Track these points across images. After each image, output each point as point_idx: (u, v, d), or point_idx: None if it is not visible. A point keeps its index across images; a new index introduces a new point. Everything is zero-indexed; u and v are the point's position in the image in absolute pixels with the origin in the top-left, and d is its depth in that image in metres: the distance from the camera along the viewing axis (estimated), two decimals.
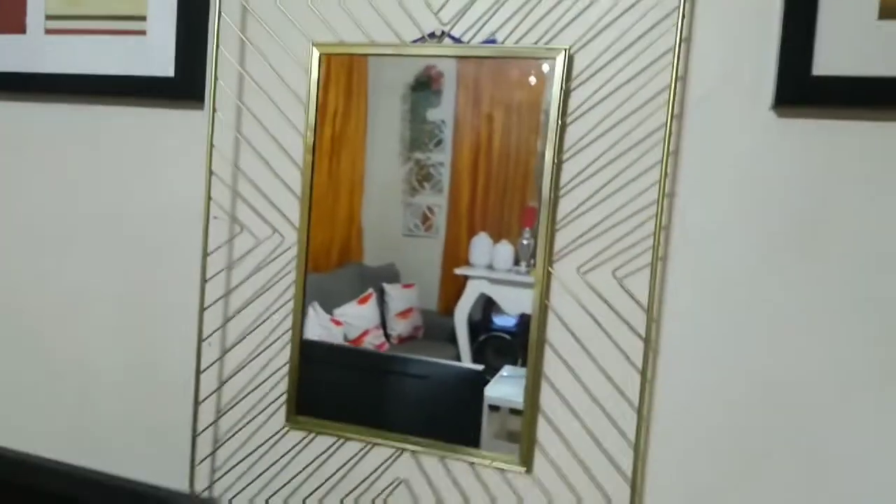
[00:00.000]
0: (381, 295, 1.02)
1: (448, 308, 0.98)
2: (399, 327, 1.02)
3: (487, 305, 0.96)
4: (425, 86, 0.95)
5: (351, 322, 1.04)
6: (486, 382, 0.96)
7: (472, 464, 0.96)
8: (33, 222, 1.18)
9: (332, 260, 1.02)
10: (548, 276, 0.90)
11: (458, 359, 0.98)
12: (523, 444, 0.93)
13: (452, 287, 0.98)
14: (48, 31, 1.13)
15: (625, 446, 0.88)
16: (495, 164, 0.93)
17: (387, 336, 1.03)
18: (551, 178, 0.89)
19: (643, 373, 0.86)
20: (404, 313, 1.02)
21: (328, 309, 1.03)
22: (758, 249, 0.84)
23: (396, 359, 1.02)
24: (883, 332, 0.80)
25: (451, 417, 0.97)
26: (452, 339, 0.98)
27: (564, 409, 0.91)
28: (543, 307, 0.91)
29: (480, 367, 0.98)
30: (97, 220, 1.14)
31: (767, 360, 0.84)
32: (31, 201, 1.18)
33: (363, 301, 1.03)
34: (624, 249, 0.88)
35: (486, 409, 0.96)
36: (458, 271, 0.97)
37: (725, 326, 0.85)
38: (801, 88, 0.80)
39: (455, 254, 0.97)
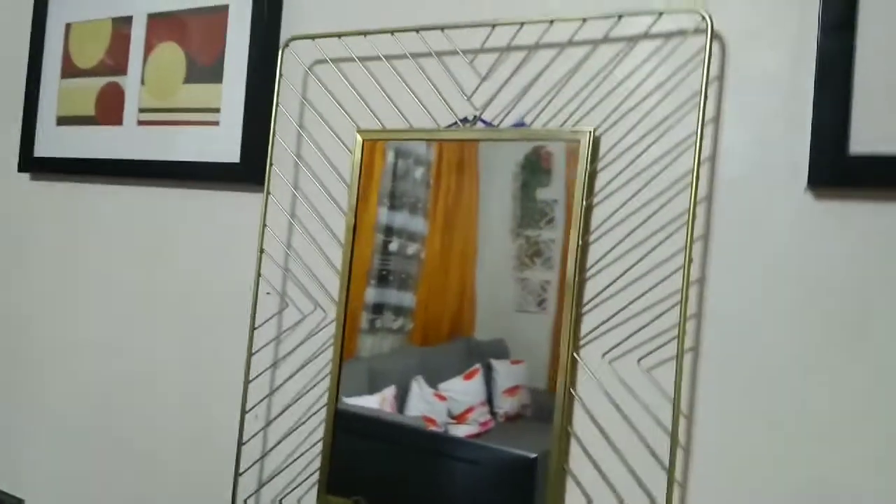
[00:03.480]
0: (489, 371, 1.00)
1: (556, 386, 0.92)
2: (506, 405, 1.00)
3: None
4: (535, 165, 0.94)
5: (455, 398, 1.03)
6: (536, 471, 0.91)
7: None
8: (112, 291, 1.30)
9: (442, 333, 1.02)
10: (572, 362, 0.87)
11: None
12: None
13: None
14: (139, 123, 1.27)
15: None
16: None
17: (493, 413, 1.00)
18: (576, 259, 0.86)
19: (670, 472, 0.79)
20: (512, 390, 0.99)
21: (433, 383, 1.02)
22: (797, 343, 0.76)
23: (441, 438, 1.00)
24: None
25: None
26: None
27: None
28: (568, 396, 0.87)
29: (534, 455, 0.95)
30: (167, 293, 1.23)
31: (809, 467, 0.75)
32: (113, 272, 1.30)
33: (469, 376, 1.01)
34: (651, 338, 0.83)
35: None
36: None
37: (761, 427, 0.77)
38: (838, 168, 0.74)
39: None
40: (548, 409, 0.93)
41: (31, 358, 1.40)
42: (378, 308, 1.04)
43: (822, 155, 0.74)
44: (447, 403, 1.02)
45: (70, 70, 1.37)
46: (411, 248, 1.06)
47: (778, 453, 0.76)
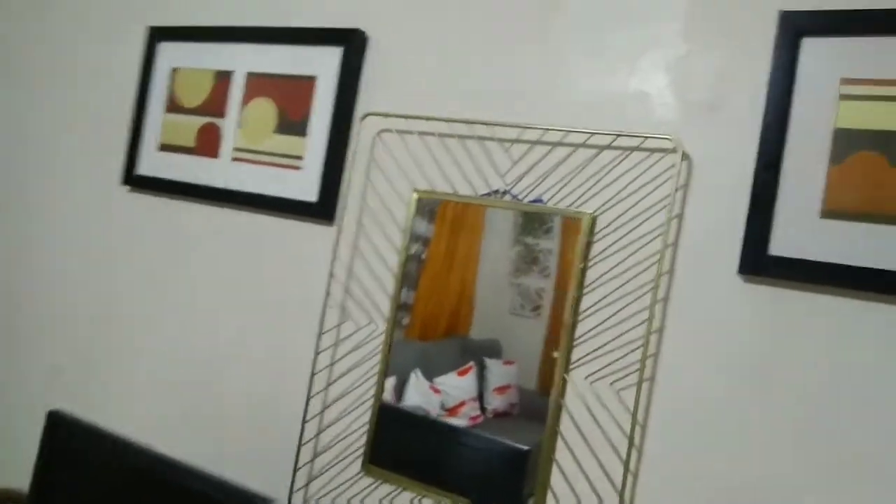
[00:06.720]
0: (482, 369, 1.08)
1: (546, 388, 1.05)
2: (496, 402, 1.10)
3: None
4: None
5: (449, 392, 1.13)
6: (528, 462, 1.16)
7: None
8: (205, 291, 1.61)
9: (438, 330, 1.11)
10: (563, 381, 1.19)
11: None
12: None
13: (552, 368, 1.06)
14: (234, 159, 1.58)
15: None
16: None
17: (483, 409, 1.10)
18: (571, 307, 1.18)
19: (626, 464, 1.11)
20: (502, 389, 1.09)
21: (429, 376, 1.13)
22: (724, 380, 1.08)
23: (458, 430, 1.27)
24: (816, 452, 1.02)
25: (498, 487, 1.16)
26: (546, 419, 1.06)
27: (566, 487, 1.18)
28: (558, 405, 1.19)
29: (527, 447, 1.23)
30: (246, 296, 1.55)
31: (728, 466, 1.07)
32: (203, 276, 1.62)
33: (463, 373, 1.10)
34: (621, 368, 1.15)
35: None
36: (557, 354, 1.05)
37: (696, 437, 1.09)
38: (759, 263, 1.06)
39: (557, 337, 1.07)
40: (535, 408, 1.07)
41: (127, 326, 1.72)
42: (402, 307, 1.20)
43: (750, 252, 1.06)
44: (441, 397, 1.13)
45: (174, 107, 1.69)
46: (414, 248, 1.18)
47: (701, 454, 1.08)
